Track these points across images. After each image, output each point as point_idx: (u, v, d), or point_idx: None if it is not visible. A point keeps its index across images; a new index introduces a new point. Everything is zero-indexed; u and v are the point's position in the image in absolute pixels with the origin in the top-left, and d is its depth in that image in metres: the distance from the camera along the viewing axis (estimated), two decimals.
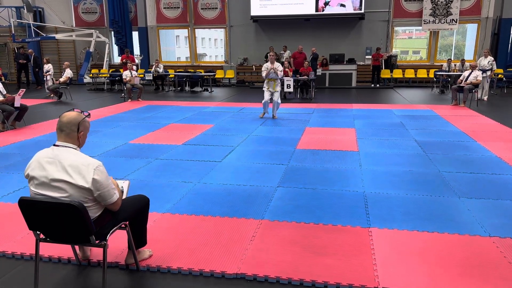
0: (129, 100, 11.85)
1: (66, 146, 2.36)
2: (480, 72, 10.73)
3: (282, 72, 8.95)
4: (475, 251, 3.00)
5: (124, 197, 2.75)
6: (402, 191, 4.25)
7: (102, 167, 2.35)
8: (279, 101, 8.92)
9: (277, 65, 8.74)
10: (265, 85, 8.83)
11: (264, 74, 8.77)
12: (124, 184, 2.78)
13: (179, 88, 15.24)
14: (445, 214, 3.66)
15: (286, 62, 13.05)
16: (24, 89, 8.23)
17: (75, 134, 2.37)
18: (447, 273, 2.72)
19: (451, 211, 3.74)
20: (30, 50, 16.25)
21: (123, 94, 13.24)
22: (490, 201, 3.96)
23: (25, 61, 15.58)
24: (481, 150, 5.94)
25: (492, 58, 12.21)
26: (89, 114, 2.50)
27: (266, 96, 8.78)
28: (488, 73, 11.67)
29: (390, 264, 2.83)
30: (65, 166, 2.29)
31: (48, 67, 13.43)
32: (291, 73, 12.65)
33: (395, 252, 2.99)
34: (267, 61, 9.16)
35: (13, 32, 17.03)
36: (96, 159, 2.38)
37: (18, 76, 16.32)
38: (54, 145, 2.38)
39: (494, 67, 12.19)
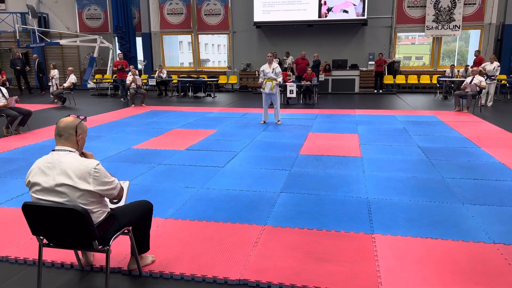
0: (133, 105, 11.90)
1: (64, 150, 2.37)
2: (484, 78, 10.72)
3: (281, 74, 8.90)
4: (480, 258, 2.98)
5: (124, 198, 2.75)
6: (406, 197, 4.24)
7: (100, 165, 2.37)
8: (278, 106, 8.89)
9: (275, 65, 8.72)
10: (262, 85, 8.80)
11: (259, 81, 8.82)
12: (124, 185, 2.77)
13: (182, 94, 15.29)
14: (449, 221, 3.64)
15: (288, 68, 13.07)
16: (16, 96, 8.08)
17: (73, 137, 2.39)
18: (451, 280, 2.70)
19: (455, 217, 3.72)
20: (34, 55, 16.34)
21: (121, 99, 13.30)
22: (494, 208, 3.94)
23: (20, 67, 15.60)
24: (485, 156, 5.92)
25: (498, 64, 12.20)
26: (85, 118, 2.52)
27: (264, 100, 8.79)
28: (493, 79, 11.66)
29: (394, 270, 2.82)
30: (65, 170, 2.30)
31: (54, 72, 13.52)
32: (289, 76, 12.69)
33: (398, 259, 2.97)
34: None
35: (17, 38, 17.15)
36: (94, 160, 2.40)
37: (18, 82, 16.40)
38: (53, 150, 2.39)
39: (498, 72, 12.18)
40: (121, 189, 2.52)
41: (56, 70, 13.61)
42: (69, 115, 2.46)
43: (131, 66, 13.29)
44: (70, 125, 2.38)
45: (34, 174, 2.35)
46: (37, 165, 2.37)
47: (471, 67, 13.89)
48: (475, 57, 13.81)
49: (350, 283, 2.67)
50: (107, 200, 2.56)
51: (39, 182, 2.33)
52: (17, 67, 15.60)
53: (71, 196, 2.29)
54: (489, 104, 11.48)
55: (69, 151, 2.37)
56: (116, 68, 13.44)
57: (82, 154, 2.52)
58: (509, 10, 15.10)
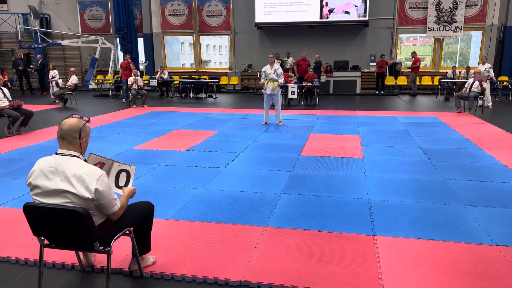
0: (134, 106, 11.91)
1: (68, 155, 2.32)
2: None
3: (283, 75, 8.90)
4: (482, 260, 2.97)
5: (131, 183, 2.72)
6: (407, 199, 4.23)
7: (104, 176, 2.33)
8: (279, 107, 8.88)
9: (277, 66, 8.72)
10: (264, 86, 8.79)
11: (261, 82, 8.82)
12: (131, 170, 2.74)
13: (183, 95, 15.29)
14: (451, 223, 3.63)
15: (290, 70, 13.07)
16: (22, 103, 8.08)
17: (77, 141, 2.34)
18: (453, 283, 2.68)
19: (457, 219, 3.71)
20: (38, 56, 16.34)
21: (123, 100, 13.31)
22: (497, 210, 3.93)
23: (22, 68, 15.58)
24: (487, 157, 5.90)
25: (489, 65, 12.25)
26: (89, 120, 2.47)
27: (265, 101, 8.79)
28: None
29: (395, 272, 2.81)
30: (68, 176, 2.26)
31: (53, 73, 13.53)
32: (291, 78, 12.74)
33: (400, 261, 2.96)
34: None
35: (19, 38, 17.19)
36: (98, 169, 2.36)
37: (20, 82, 16.40)
38: (56, 153, 2.35)
39: (491, 73, 12.22)
40: (116, 213, 2.43)
41: (55, 71, 13.62)
42: (71, 116, 2.41)
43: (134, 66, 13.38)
44: (74, 128, 2.33)
45: (36, 177, 2.32)
46: (39, 167, 2.33)
47: (409, 68, 14.66)
48: (412, 59, 14.46)
49: (351, 285, 2.66)
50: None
51: (40, 186, 2.30)
52: (19, 68, 15.61)
53: (73, 200, 2.28)
54: (489, 105, 11.44)
55: (73, 155, 2.33)
56: (123, 69, 13.46)
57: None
58: (511, 11, 15.09)
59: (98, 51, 17.39)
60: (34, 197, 2.35)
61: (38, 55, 16.39)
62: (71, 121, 2.35)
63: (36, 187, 2.32)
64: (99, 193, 2.28)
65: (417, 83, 15.27)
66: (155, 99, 14.28)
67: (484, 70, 11.91)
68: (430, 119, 9.46)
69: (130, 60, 13.63)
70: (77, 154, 2.35)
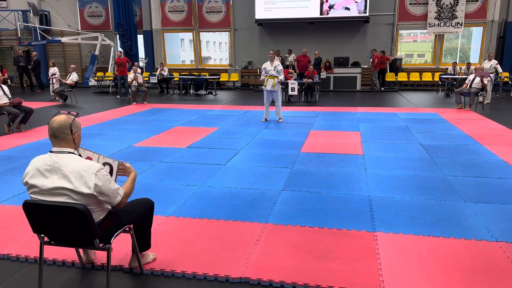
0: (134, 103, 11.89)
1: (63, 152, 2.30)
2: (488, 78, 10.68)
3: (283, 72, 8.88)
4: (482, 256, 2.97)
5: (113, 177, 2.62)
6: (408, 195, 4.22)
7: (102, 170, 2.31)
8: (280, 103, 8.87)
9: (277, 63, 8.70)
10: (264, 83, 8.77)
11: (261, 78, 8.81)
12: (114, 164, 2.65)
13: (183, 91, 15.28)
14: (451, 219, 3.62)
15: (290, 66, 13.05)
16: (22, 100, 8.08)
17: (70, 137, 2.31)
18: (453, 279, 2.69)
19: (457, 215, 3.70)
20: (34, 53, 16.30)
21: (118, 96, 13.30)
22: (497, 206, 3.93)
23: (24, 64, 15.52)
24: (488, 154, 5.90)
25: (496, 62, 12.20)
26: (77, 114, 2.43)
27: (265, 98, 8.77)
28: (492, 76, 11.62)
29: (396, 269, 2.81)
30: (66, 174, 2.24)
31: (53, 70, 13.50)
32: (291, 74, 12.75)
33: (400, 257, 2.96)
34: None
35: (19, 36, 17.16)
36: (96, 163, 2.35)
37: (20, 79, 16.37)
38: (51, 151, 2.32)
39: (500, 69, 12.18)
40: (121, 202, 2.42)
41: (55, 68, 13.59)
42: (58, 113, 2.36)
43: (136, 63, 13.35)
44: (64, 125, 2.29)
45: (32, 176, 2.30)
46: (35, 167, 2.30)
47: (372, 65, 14.70)
48: (373, 55, 14.69)
49: (352, 281, 2.66)
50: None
51: (37, 185, 2.28)
52: (21, 64, 15.57)
53: (73, 197, 2.27)
54: (486, 101, 11.39)
55: (68, 152, 2.31)
56: (117, 65, 13.44)
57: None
58: (511, 7, 15.03)
59: (98, 48, 17.37)
60: (32, 195, 2.34)
61: (34, 52, 16.35)
62: (60, 118, 2.31)
63: (33, 186, 2.31)
64: (99, 188, 2.27)
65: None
66: (155, 96, 14.27)
67: (490, 66, 11.86)
68: (430, 115, 9.44)
69: (122, 57, 13.60)
70: (72, 150, 2.33)
